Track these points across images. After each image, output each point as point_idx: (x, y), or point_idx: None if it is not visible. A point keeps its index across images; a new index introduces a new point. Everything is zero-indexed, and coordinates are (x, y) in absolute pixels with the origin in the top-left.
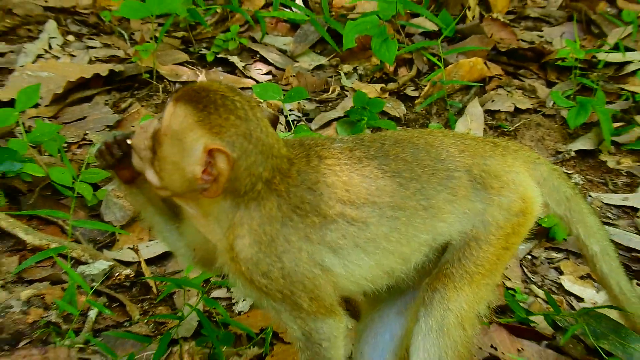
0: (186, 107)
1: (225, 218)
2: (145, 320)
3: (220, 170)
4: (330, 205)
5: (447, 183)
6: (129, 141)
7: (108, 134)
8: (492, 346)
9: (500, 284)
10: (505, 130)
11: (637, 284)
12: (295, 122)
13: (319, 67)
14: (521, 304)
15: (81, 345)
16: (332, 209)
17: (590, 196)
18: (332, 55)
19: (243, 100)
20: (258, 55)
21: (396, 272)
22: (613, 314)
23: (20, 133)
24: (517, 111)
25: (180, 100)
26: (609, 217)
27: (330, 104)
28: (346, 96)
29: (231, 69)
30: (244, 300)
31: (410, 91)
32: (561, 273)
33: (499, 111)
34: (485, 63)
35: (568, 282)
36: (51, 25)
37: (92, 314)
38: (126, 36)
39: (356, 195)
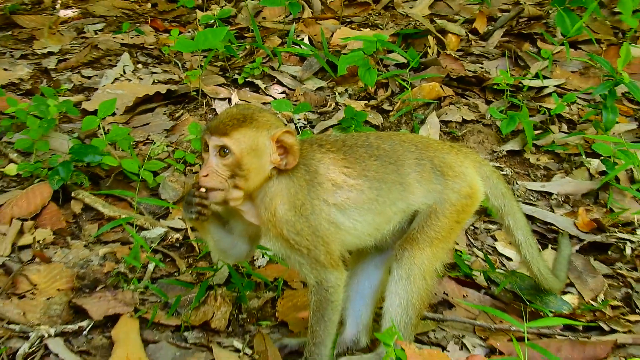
0: (239, 131)
1: (269, 195)
2: (190, 272)
3: (291, 143)
4: (337, 175)
5: (416, 168)
6: (203, 189)
7: (187, 198)
8: (444, 293)
9: (452, 249)
10: (455, 135)
11: (552, 248)
12: (302, 128)
13: (320, 89)
14: (466, 262)
15: (142, 289)
16: (338, 178)
17: (517, 184)
18: (329, 80)
19: (253, 105)
20: (275, 80)
21: (382, 230)
22: None
23: (101, 134)
24: (464, 121)
25: (231, 130)
26: (531, 199)
27: (327, 115)
28: (339, 109)
29: (256, 89)
30: (263, 257)
31: (386, 106)
32: (495, 240)
33: (450, 121)
34: (441, 86)
35: (501, 246)
36: (125, 57)
37: (151, 266)
38: (180, 65)
39: (353, 169)
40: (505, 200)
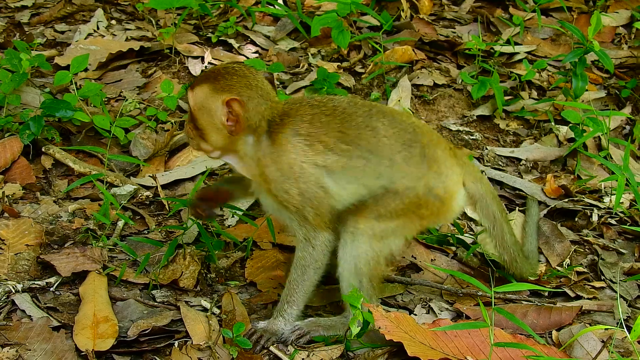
0: (201, 86)
1: (254, 154)
2: (159, 230)
3: (238, 112)
4: (329, 138)
5: (408, 148)
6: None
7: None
8: (412, 256)
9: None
10: (426, 99)
11: (520, 211)
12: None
13: (293, 49)
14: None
15: (111, 247)
16: (330, 141)
17: (486, 149)
18: (302, 41)
19: (242, 66)
20: (249, 39)
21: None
22: None
23: (73, 89)
24: (436, 85)
25: (195, 85)
26: (500, 165)
27: (300, 76)
28: (312, 70)
29: (229, 48)
30: (233, 217)
31: (358, 68)
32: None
33: (422, 85)
34: (413, 50)
35: (470, 210)
36: (99, 12)
37: (120, 223)
38: (153, 22)
39: (346, 134)
40: (496, 222)
